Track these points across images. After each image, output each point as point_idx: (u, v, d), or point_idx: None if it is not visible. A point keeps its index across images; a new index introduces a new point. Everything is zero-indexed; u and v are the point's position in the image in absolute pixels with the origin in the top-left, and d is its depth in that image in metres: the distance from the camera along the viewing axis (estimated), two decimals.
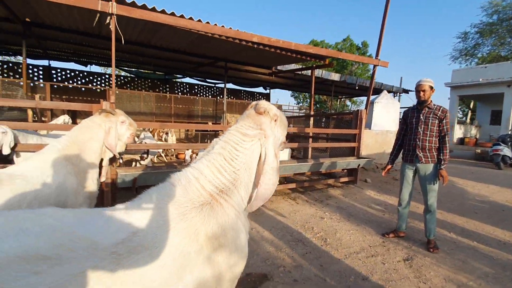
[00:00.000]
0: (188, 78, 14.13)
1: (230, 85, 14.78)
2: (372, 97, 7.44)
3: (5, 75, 11.54)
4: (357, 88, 12.78)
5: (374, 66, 6.26)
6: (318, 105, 26.13)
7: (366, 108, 6.29)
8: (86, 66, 13.15)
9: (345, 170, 6.05)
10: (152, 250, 1.02)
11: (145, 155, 4.78)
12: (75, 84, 13.02)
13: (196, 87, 16.25)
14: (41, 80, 11.80)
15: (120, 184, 3.46)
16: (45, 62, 12.30)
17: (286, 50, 6.53)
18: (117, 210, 1.09)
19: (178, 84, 15.92)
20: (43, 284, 0.79)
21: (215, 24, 4.75)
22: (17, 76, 11.53)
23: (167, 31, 6.21)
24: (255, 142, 1.42)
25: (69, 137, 2.21)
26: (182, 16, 4.63)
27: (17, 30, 6.97)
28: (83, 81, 13.37)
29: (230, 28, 4.92)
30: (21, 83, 8.28)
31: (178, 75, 14.06)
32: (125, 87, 14.19)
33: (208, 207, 1.22)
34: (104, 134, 2.39)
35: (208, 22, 4.78)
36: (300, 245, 3.15)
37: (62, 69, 12.89)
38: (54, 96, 11.04)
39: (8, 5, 5.55)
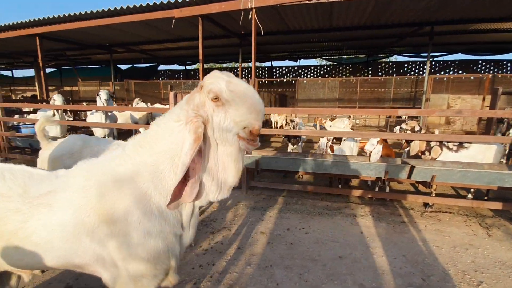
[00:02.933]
0: (394, 56, 12.36)
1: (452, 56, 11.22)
2: None
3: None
4: None
5: None
6: None
7: None
8: (296, 61, 15.20)
9: None
10: (53, 208, 1.19)
11: (296, 141, 4.93)
12: (264, 78, 15.48)
13: (405, 64, 13.84)
14: (250, 79, 15.20)
15: (246, 164, 3.86)
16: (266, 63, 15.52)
17: None
18: (55, 174, 1.34)
19: (383, 65, 14.33)
20: None
21: None
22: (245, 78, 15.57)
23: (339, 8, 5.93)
24: (181, 128, 1.15)
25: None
26: None
27: (235, 42, 9.39)
28: (294, 74, 15.54)
29: None
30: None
31: (380, 55, 12.69)
32: (327, 75, 14.90)
33: (113, 188, 1.19)
34: None
35: None
36: None
37: (280, 67, 15.74)
38: (266, 90, 13.80)
39: (227, 27, 7.58)
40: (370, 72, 14.25)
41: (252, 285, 2.27)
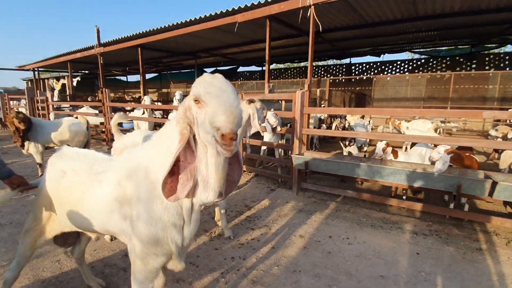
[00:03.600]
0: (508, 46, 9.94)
1: None
2: None
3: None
4: None
5: None
6: None
7: None
8: (379, 56, 13.85)
9: None
10: (102, 184, 1.55)
11: (350, 142, 4.53)
12: (337, 76, 14.24)
13: None
14: (322, 77, 14.39)
15: (296, 165, 3.80)
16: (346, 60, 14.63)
17: None
18: (111, 158, 1.70)
19: (492, 57, 11.59)
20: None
21: None
22: (301, 77, 14.93)
23: None
24: (171, 127, 1.28)
25: None
26: None
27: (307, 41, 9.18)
28: (376, 71, 14.19)
29: None
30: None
31: (489, 45, 10.37)
32: (416, 71, 13.05)
33: (132, 175, 1.42)
34: (247, 117, 2.92)
35: None
36: None
37: (359, 64, 14.62)
38: (341, 89, 12.96)
39: (296, 25, 7.53)
40: (474, 65, 11.78)
41: (274, 286, 2.25)
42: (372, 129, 7.64)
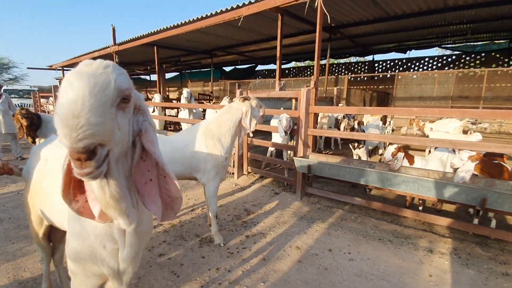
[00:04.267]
0: None
1: None
2: None
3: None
4: None
5: None
6: None
7: None
8: (405, 52, 13.02)
9: None
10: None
11: (358, 144, 4.12)
12: (361, 74, 13.43)
13: None
14: (341, 74, 13.69)
15: (298, 168, 3.51)
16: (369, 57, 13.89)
17: None
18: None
19: None
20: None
21: None
22: (321, 75, 14.31)
23: None
24: None
25: (215, 116, 2.81)
26: None
27: (324, 37, 8.75)
28: (401, 69, 13.36)
29: None
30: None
31: None
32: (446, 68, 12.10)
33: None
34: (241, 115, 2.70)
35: None
36: None
37: (383, 61, 13.84)
38: (362, 88, 12.31)
39: (312, 20, 7.18)
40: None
41: None
42: (393, 130, 7.10)
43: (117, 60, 9.24)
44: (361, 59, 17.15)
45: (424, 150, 6.03)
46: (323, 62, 17.53)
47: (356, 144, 4.23)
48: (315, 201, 3.90)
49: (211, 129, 2.72)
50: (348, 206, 3.73)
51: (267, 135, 5.13)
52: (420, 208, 3.42)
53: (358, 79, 13.92)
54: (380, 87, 13.04)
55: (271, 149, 4.97)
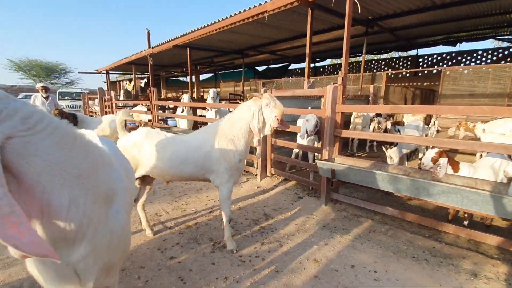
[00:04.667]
0: None
1: None
2: None
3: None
4: None
5: None
6: None
7: None
8: (454, 45, 11.73)
9: None
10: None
11: (390, 145, 3.63)
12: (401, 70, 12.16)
13: None
14: (381, 71, 12.61)
15: (321, 172, 3.24)
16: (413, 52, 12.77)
17: None
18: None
19: None
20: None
21: None
22: (357, 72, 13.31)
23: None
24: None
25: (228, 115, 2.66)
26: None
27: (361, 31, 8.19)
28: (450, 63, 12.07)
29: None
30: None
31: None
32: (502, 62, 10.63)
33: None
34: (251, 116, 2.52)
35: None
36: None
37: (429, 55, 12.63)
38: (403, 85, 11.31)
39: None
40: None
41: None
42: (437, 131, 6.36)
43: (151, 62, 9.63)
44: (403, 54, 15.90)
45: (475, 155, 5.29)
46: (359, 58, 16.64)
47: (387, 145, 3.80)
48: (341, 209, 3.58)
49: (223, 129, 2.58)
50: (378, 216, 3.35)
51: (293, 135, 4.88)
52: (465, 222, 2.94)
53: (399, 75, 12.87)
54: (425, 84, 11.92)
55: (296, 150, 4.72)
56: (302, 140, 4.34)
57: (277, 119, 2.43)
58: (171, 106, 8.78)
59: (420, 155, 4.51)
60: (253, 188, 4.44)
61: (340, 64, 16.69)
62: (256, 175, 4.84)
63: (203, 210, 3.65)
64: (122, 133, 2.82)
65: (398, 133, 4.00)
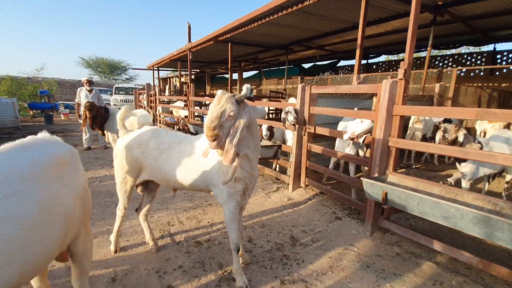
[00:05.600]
0: None
1: None
2: None
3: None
4: None
5: None
6: None
7: None
8: None
9: None
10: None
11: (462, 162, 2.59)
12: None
13: None
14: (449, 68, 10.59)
15: (368, 195, 2.47)
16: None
17: None
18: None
19: None
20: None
21: None
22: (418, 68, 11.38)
23: None
24: None
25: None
26: None
27: (427, 21, 6.90)
28: None
29: None
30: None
31: None
32: None
33: None
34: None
35: None
36: None
37: (509, 51, 10.44)
38: (463, 84, 9.44)
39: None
40: None
41: None
42: None
43: (190, 57, 9.50)
44: (476, 49, 13.59)
45: None
46: (421, 54, 14.66)
47: (460, 163, 2.83)
48: (392, 242, 2.75)
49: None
50: (446, 258, 2.46)
51: (331, 140, 4.12)
52: None
53: (471, 74, 10.89)
54: (503, 85, 9.85)
55: (334, 159, 3.95)
56: (342, 147, 3.57)
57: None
58: (207, 102, 8.53)
59: (508, 177, 3.38)
60: (283, 200, 3.80)
61: (397, 61, 14.92)
62: (288, 184, 4.19)
63: (220, 223, 3.13)
64: (122, 130, 2.42)
65: (479, 145, 2.99)
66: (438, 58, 12.78)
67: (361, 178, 2.48)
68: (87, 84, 6.80)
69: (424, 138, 5.71)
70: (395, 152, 2.67)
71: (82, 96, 6.72)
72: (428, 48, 6.97)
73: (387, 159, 2.67)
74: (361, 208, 3.08)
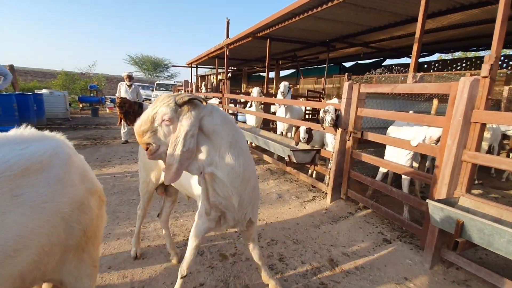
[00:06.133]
0: None
1: None
2: None
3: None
4: None
5: None
6: None
7: None
8: None
9: None
10: None
11: None
12: None
13: None
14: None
15: (435, 222, 1.97)
16: None
17: None
18: None
19: None
20: None
21: None
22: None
23: None
24: None
25: None
26: None
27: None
28: None
29: None
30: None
31: None
32: None
33: None
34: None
35: None
36: None
37: None
38: None
39: None
40: None
41: None
42: None
43: (227, 53, 9.34)
44: None
45: None
46: (484, 54, 12.95)
47: None
48: (459, 279, 2.20)
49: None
50: None
51: (377, 147, 3.58)
52: None
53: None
54: None
55: (383, 170, 3.41)
56: (394, 157, 3.04)
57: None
58: (242, 100, 8.31)
59: None
60: (320, 212, 3.37)
61: (452, 60, 13.38)
62: (326, 194, 3.75)
63: None
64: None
65: None
66: (505, 60, 11.15)
67: (427, 200, 1.98)
68: (127, 79, 6.93)
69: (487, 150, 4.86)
70: (471, 169, 2.11)
71: (122, 91, 6.87)
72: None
73: (460, 177, 2.13)
74: (418, 232, 2.55)
